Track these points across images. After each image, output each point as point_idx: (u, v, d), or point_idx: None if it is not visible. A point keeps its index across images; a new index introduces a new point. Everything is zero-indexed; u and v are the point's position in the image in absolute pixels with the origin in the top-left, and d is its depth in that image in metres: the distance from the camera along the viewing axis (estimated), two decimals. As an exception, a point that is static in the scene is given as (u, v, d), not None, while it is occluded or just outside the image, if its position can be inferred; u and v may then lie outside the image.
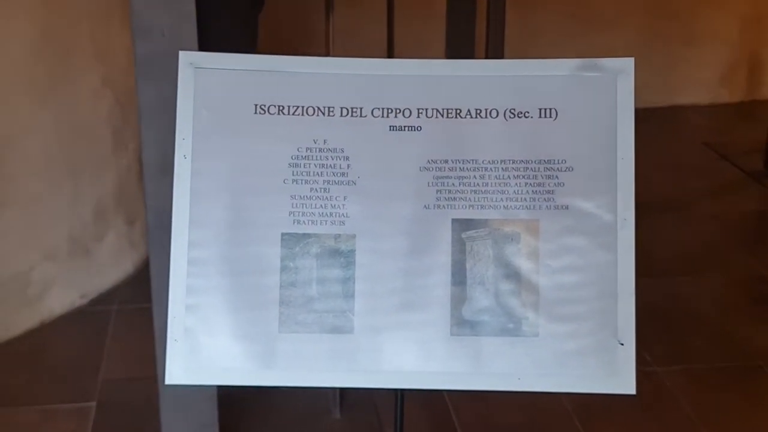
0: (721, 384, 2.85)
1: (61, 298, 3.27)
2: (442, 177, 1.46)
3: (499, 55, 3.86)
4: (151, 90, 2.13)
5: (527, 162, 1.45)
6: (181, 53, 1.52)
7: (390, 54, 3.90)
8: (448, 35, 4.20)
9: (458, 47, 4.17)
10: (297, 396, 2.76)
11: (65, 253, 3.27)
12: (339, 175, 1.46)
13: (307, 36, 4.71)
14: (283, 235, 1.45)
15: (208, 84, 1.49)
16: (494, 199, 1.45)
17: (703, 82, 5.36)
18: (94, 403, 2.79)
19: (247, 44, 3.49)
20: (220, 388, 2.30)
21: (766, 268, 3.57)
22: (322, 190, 1.46)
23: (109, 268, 3.46)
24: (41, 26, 3.04)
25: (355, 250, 1.45)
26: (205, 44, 2.07)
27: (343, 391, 2.72)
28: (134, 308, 3.28)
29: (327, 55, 2.49)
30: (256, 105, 1.47)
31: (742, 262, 3.64)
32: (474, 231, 1.44)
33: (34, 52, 3.04)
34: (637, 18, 5.14)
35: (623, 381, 1.41)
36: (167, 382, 1.45)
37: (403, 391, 1.53)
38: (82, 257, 3.33)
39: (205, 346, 1.46)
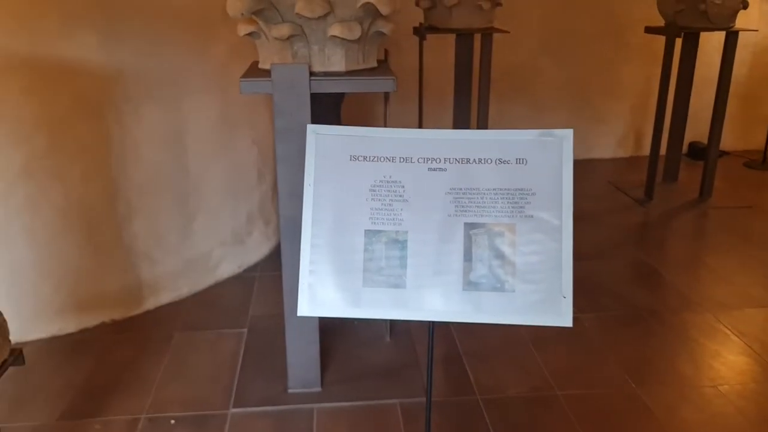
0: (617, 325, 2.82)
1: (228, 268, 3.28)
2: (458, 197, 1.45)
3: (485, 128, 3.86)
4: (284, 147, 2.13)
5: (509, 189, 1.44)
6: (309, 125, 1.51)
7: (420, 128, 3.91)
8: (455, 116, 4.20)
9: (460, 123, 4.16)
10: (363, 327, 2.75)
11: (230, 241, 3.28)
12: (398, 196, 1.46)
13: (371, 116, 4.75)
14: (365, 231, 1.46)
15: (323, 143, 1.50)
16: (489, 211, 1.44)
17: (607, 145, 5.31)
18: (246, 329, 2.80)
19: (336, 120, 3.52)
20: (321, 319, 2.29)
21: (645, 255, 3.53)
22: (388, 205, 1.46)
23: (254, 251, 3.46)
24: (219, 111, 3.06)
25: (407, 240, 1.45)
26: (314, 120, 2.07)
27: (393, 324, 2.72)
28: (269, 275, 3.29)
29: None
30: (350, 155, 1.48)
31: (630, 252, 3.59)
32: (477, 229, 1.44)
33: (216, 126, 3.06)
34: (567, 106, 5.10)
35: (565, 318, 1.40)
36: (298, 314, 1.45)
37: (434, 323, 1.52)
38: (239, 244, 3.34)
39: (319, 294, 1.47)
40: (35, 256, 2.64)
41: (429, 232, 1.44)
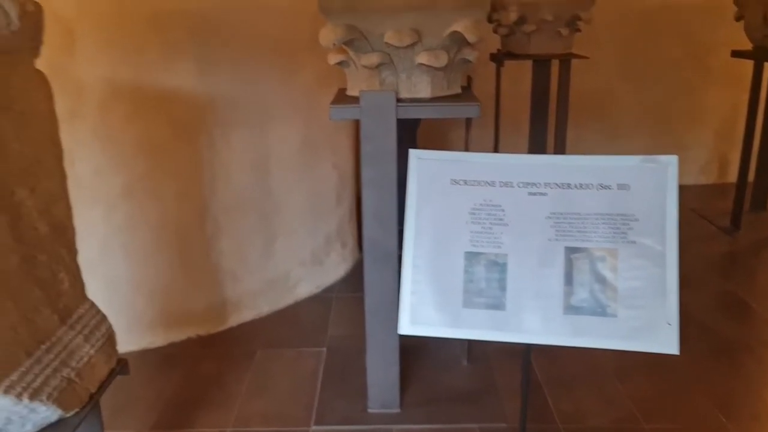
0: (705, 357, 2.72)
1: (306, 288, 3.36)
2: (558, 222, 1.46)
3: (562, 153, 3.83)
4: (370, 171, 2.17)
5: (610, 215, 1.45)
6: (411, 150, 1.55)
7: (496, 152, 3.91)
8: (530, 141, 4.18)
9: (536, 149, 4.14)
10: (440, 349, 2.76)
11: (309, 262, 3.36)
12: (498, 220, 1.48)
13: (445, 140, 4.80)
14: (465, 253, 1.49)
15: (425, 167, 1.54)
16: (590, 236, 1.44)
17: (688, 171, 5.14)
18: (324, 348, 2.85)
19: (412, 144, 3.59)
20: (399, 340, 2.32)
21: (734, 286, 3.39)
22: (488, 228, 1.48)
23: (332, 272, 3.52)
24: (303, 136, 3.17)
25: (507, 263, 1.46)
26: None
27: (470, 347, 2.70)
28: (346, 295, 3.36)
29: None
30: (451, 179, 1.52)
31: (718, 283, 3.46)
32: (578, 254, 1.44)
33: (299, 149, 3.17)
34: (647, 132, 5.00)
35: (670, 346, 1.38)
36: (399, 332, 1.48)
37: (530, 346, 1.50)
38: (317, 265, 3.42)
39: (420, 313, 1.49)
40: (131, 272, 2.80)
41: (529, 256, 1.46)
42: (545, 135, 4.14)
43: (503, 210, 1.48)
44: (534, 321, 1.44)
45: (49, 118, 1.57)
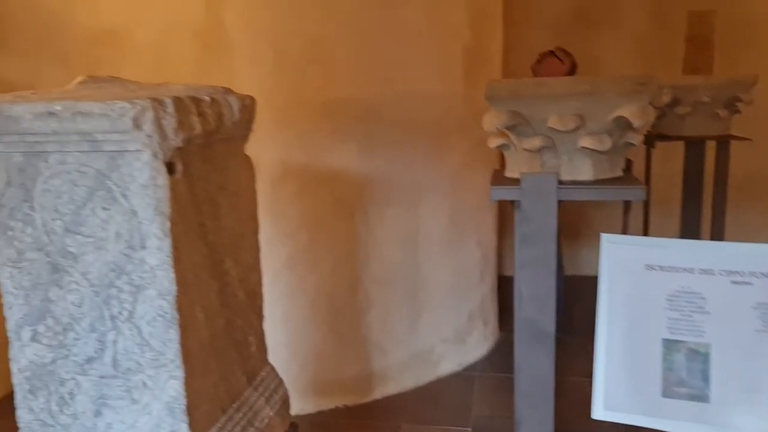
0: None
1: (448, 365, 3.36)
2: (767, 313, 1.39)
3: (720, 239, 3.62)
4: (527, 252, 2.16)
5: None
6: (603, 235, 1.54)
7: (645, 234, 3.79)
8: (682, 225, 4.00)
9: (689, 233, 3.95)
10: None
11: (452, 339, 3.37)
12: (698, 308, 1.43)
13: (580, 221, 4.71)
14: (663, 340, 1.43)
15: (616, 251, 1.52)
16: None
17: None
18: (470, 429, 2.82)
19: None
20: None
21: None
22: (688, 315, 1.43)
23: (473, 350, 3.50)
24: (450, 214, 3.27)
25: (710, 353, 1.39)
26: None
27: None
28: (488, 375, 3.32)
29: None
30: (646, 264, 1.48)
31: None
32: None
33: (446, 227, 3.26)
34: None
35: None
36: (593, 416, 1.44)
37: None
38: (460, 343, 3.42)
39: (615, 399, 1.45)
40: (288, 338, 2.96)
41: (735, 346, 1.39)
42: (699, 218, 3.94)
43: (704, 298, 1.42)
44: (744, 417, 1.35)
45: (252, 197, 1.77)
